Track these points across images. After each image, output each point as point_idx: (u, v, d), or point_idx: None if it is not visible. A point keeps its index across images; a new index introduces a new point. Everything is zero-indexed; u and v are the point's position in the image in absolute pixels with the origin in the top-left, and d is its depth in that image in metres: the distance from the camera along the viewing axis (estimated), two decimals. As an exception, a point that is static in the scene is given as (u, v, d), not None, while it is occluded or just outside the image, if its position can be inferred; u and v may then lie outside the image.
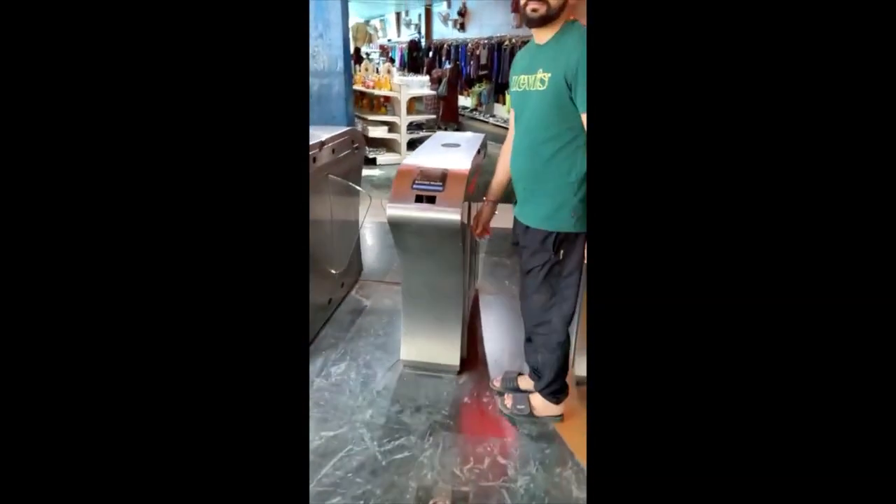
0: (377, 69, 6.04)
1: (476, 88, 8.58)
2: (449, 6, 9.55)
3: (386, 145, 5.88)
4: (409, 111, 5.87)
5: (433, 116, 6.02)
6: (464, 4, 9.07)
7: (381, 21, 13.77)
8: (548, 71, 1.30)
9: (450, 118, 8.35)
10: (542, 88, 1.32)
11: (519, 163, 1.46)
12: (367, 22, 15.15)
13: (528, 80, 1.37)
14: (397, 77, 5.69)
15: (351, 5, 9.86)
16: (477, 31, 8.71)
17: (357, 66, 6.55)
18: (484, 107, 8.53)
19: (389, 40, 13.09)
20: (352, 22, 15.03)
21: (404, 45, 11.18)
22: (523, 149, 1.42)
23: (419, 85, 5.72)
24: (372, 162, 5.68)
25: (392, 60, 12.07)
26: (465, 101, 9.09)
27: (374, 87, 5.76)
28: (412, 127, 5.80)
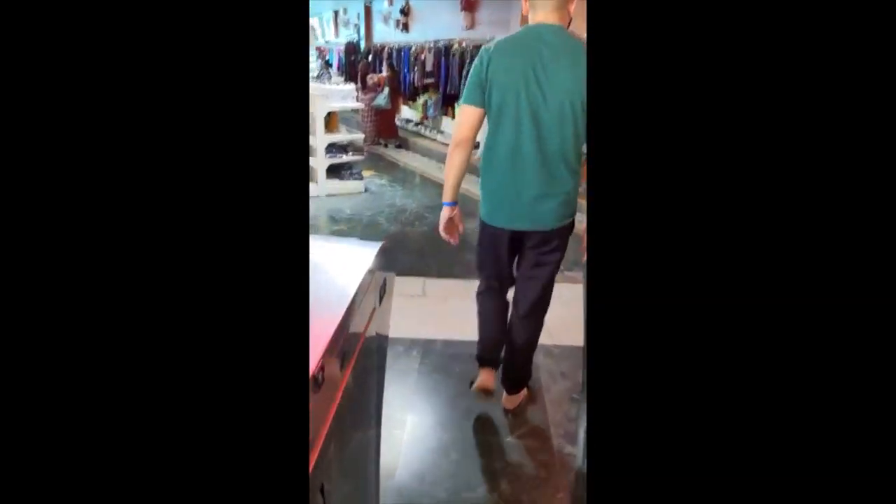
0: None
1: (421, 99, 7.37)
2: (390, 4, 8.33)
3: (298, 173, 4.54)
4: (331, 128, 4.57)
5: (361, 135, 4.73)
6: (407, 2, 7.86)
7: (320, 20, 12.35)
8: None
9: (388, 134, 7.08)
10: None
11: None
12: (303, 21, 13.70)
13: None
14: (313, 86, 4.36)
15: None
16: (421, 33, 7.52)
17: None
18: (430, 121, 7.33)
19: (327, 42, 11.70)
20: (286, 20, 13.59)
21: (342, 48, 9.84)
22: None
23: (341, 96, 4.42)
24: (278, 195, 4.31)
25: (329, 65, 10.69)
26: (408, 112, 7.85)
27: (282, 97, 4.42)
28: (334, 149, 4.49)
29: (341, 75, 9.82)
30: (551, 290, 1.60)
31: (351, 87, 4.56)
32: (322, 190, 4.43)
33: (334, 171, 4.57)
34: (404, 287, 2.56)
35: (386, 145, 7.01)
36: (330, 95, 4.33)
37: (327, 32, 11.77)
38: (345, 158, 4.55)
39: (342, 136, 4.56)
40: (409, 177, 5.50)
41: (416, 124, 7.59)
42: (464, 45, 6.22)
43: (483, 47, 1.43)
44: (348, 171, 4.63)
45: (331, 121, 4.57)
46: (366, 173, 5.32)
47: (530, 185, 1.41)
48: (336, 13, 10.62)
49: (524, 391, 1.75)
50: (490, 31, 5.86)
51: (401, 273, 2.89)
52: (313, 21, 12.61)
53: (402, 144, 7.06)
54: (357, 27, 9.78)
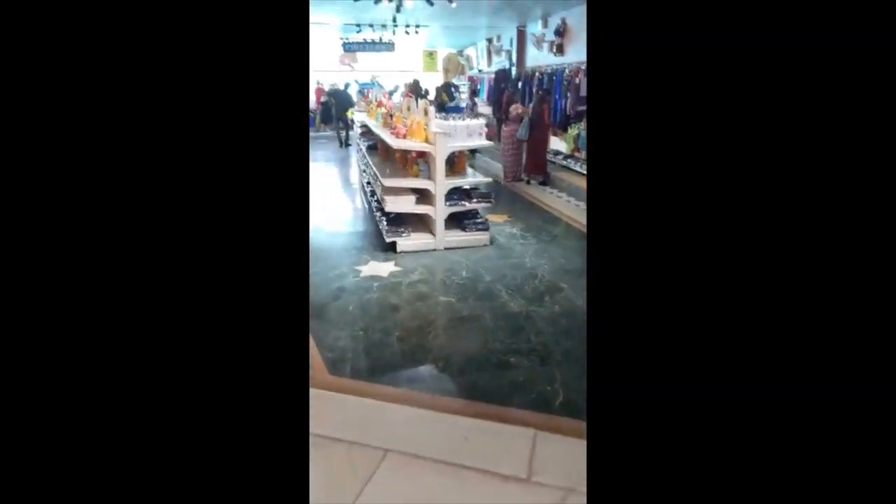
0: (410, 107, 4.19)
1: (572, 130, 6.39)
2: (545, 25, 7.57)
3: (413, 222, 3.96)
4: (457, 170, 3.92)
5: (488, 179, 3.97)
6: (563, 21, 7.02)
7: (476, 49, 12.17)
8: None
9: (534, 170, 6.24)
10: None
11: None
12: (459, 52, 13.70)
13: None
14: (435, 122, 3.77)
15: (444, 34, 8.24)
16: (578, 54, 6.59)
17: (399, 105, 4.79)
18: (582, 153, 6.30)
19: (480, 71, 11.39)
20: (444, 53, 13.76)
21: (493, 76, 9.36)
22: None
23: (467, 133, 3.73)
24: (390, 248, 3.77)
25: (475, 93, 10.32)
26: (558, 143, 6.91)
27: (405, 136, 3.92)
28: (456, 196, 3.82)
29: (489, 105, 9.38)
30: None
31: (479, 122, 3.85)
32: (440, 243, 3.77)
33: (456, 220, 3.89)
34: (500, 460, 1.59)
35: (528, 182, 6.18)
36: (454, 133, 3.68)
37: (481, 61, 11.48)
38: (468, 206, 3.85)
39: (466, 179, 3.87)
40: (549, 224, 4.56)
41: (566, 157, 6.62)
42: (628, 63, 5.12)
43: None
44: (472, 221, 3.91)
45: (457, 162, 3.92)
46: (496, 218, 4.56)
47: None
48: (490, 41, 10.23)
49: None
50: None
51: (503, 416, 1.85)
52: (471, 50, 12.50)
53: (546, 181, 6.15)
54: (509, 53, 9.21)
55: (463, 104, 10.03)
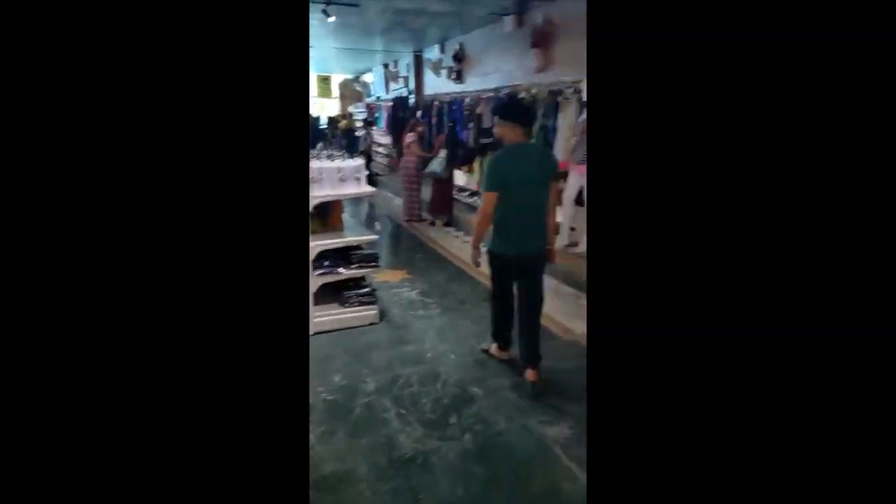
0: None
1: (479, 165, 5.72)
2: (442, 51, 6.95)
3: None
4: (332, 225, 2.95)
5: (373, 236, 3.01)
6: (460, 47, 6.42)
7: (374, 74, 11.37)
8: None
9: (439, 209, 5.44)
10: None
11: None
12: (356, 78, 12.84)
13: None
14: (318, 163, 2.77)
15: (338, 58, 7.44)
16: (479, 83, 5.98)
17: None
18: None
19: (378, 98, 10.59)
20: (340, 78, 12.79)
21: (391, 104, 8.57)
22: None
23: (338, 178, 2.78)
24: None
25: (370, 124, 9.48)
26: (461, 179, 6.21)
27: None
28: (328, 260, 2.83)
29: (389, 135, 8.58)
30: None
31: (356, 162, 2.92)
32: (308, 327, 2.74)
33: (333, 292, 2.90)
34: None
35: (433, 223, 5.35)
36: (321, 178, 2.71)
37: (379, 88, 10.69)
38: (345, 273, 2.87)
39: (341, 238, 2.90)
40: (455, 280, 3.72)
41: (471, 194, 5.92)
42: (534, 92, 4.54)
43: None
44: (354, 291, 2.93)
45: (331, 216, 2.95)
46: (392, 276, 3.64)
47: None
48: (386, 66, 9.48)
49: None
50: (570, 70, 4.12)
51: None
52: (368, 76, 11.69)
53: (450, 222, 5.36)
54: (406, 80, 8.49)
55: (359, 134, 9.11)
